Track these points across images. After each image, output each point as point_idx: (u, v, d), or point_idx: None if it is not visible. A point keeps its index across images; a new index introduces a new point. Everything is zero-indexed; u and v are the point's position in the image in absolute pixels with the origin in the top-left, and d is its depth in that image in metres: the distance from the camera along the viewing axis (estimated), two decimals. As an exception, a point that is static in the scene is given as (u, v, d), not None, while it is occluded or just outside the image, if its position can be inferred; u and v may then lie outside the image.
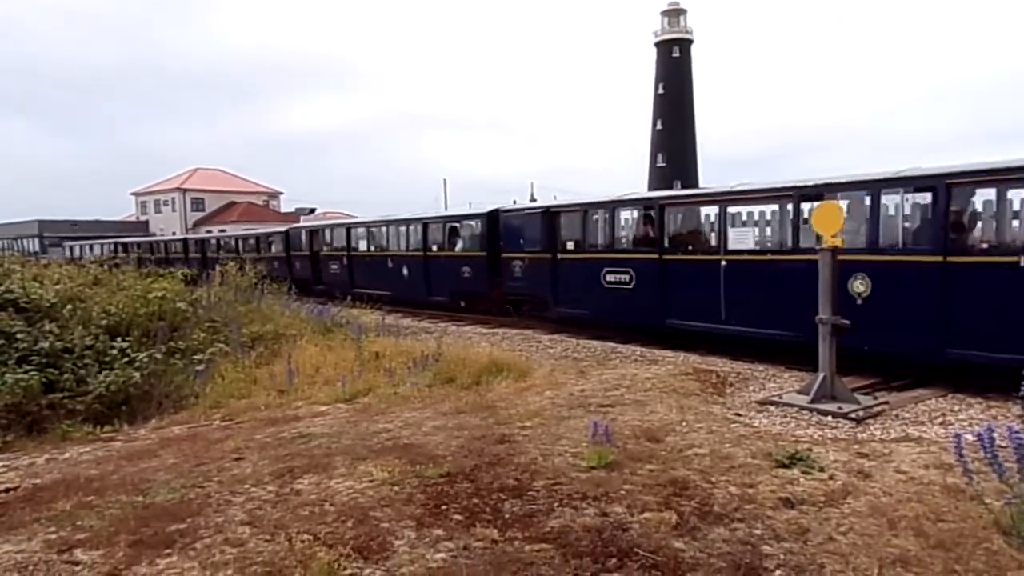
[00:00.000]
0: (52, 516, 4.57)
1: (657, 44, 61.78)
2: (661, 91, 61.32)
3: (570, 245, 13.85)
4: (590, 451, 5.27)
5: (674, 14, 61.46)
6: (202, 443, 6.53)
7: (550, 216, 14.39)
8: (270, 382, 9.38)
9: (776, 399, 7.70)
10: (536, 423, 6.44)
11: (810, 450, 5.53)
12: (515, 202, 19.17)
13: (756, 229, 11.05)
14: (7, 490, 5.41)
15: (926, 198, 8.62)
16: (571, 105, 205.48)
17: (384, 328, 13.03)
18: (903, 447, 5.74)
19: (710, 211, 11.68)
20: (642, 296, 12.13)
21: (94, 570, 3.72)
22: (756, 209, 11.10)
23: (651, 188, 51.77)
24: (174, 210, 69.26)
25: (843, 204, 9.44)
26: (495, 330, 14.96)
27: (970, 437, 4.31)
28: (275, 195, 76.40)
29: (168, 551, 3.88)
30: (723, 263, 10.70)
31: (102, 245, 40.98)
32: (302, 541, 3.91)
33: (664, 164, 60.18)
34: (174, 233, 58.15)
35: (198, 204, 70.26)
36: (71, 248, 43.39)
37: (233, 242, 30.66)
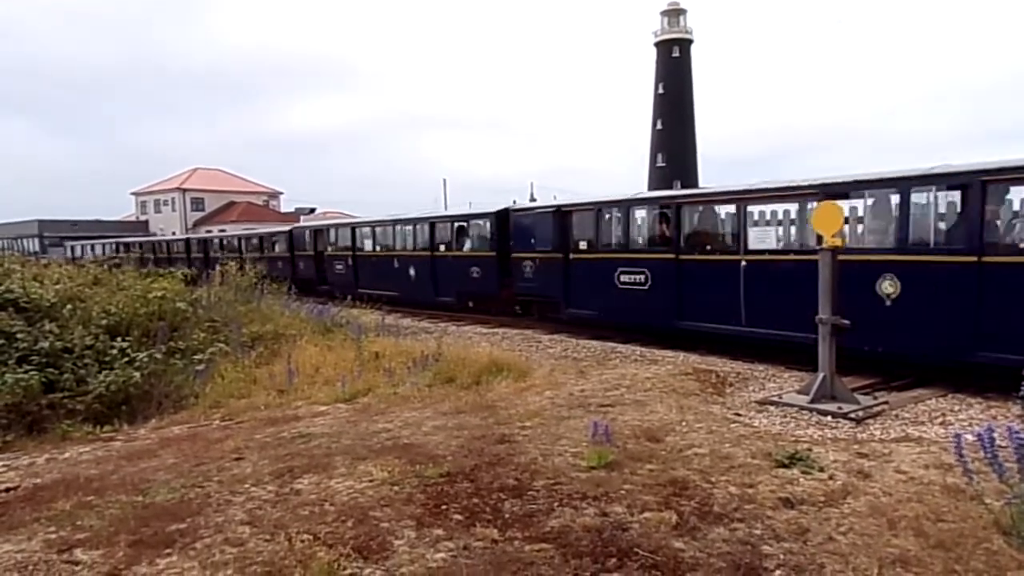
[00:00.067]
0: (52, 516, 4.57)
1: (657, 44, 61.84)
2: (661, 91, 61.36)
3: (583, 245, 13.62)
4: (590, 451, 5.28)
5: (674, 14, 61.51)
6: (202, 443, 6.53)
7: (562, 215, 14.13)
8: (270, 382, 9.39)
9: (776, 399, 7.70)
10: (536, 423, 6.44)
11: (810, 450, 5.53)
12: (515, 202, 19.05)
13: (779, 228, 10.74)
14: (7, 490, 5.41)
15: (960, 196, 8.36)
16: (571, 105, 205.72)
17: (384, 328, 13.03)
18: (903, 447, 5.74)
19: (729, 210, 11.38)
20: (657, 297, 11.88)
21: (94, 570, 3.72)
22: (780, 208, 10.75)
23: (651, 188, 51.78)
24: (174, 210, 69.27)
25: (870, 202, 9.23)
26: (495, 330, 14.96)
27: (970, 437, 4.31)
28: (275, 195, 76.42)
29: (168, 551, 3.88)
30: (743, 263, 10.46)
31: (104, 245, 40.93)
32: (302, 541, 3.91)
33: (664, 164, 60.22)
34: (174, 233, 58.12)
35: (198, 204, 70.26)
36: (73, 248, 43.32)
37: (236, 242, 30.44)
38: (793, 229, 10.75)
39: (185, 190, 69.68)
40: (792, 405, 7.39)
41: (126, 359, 9.37)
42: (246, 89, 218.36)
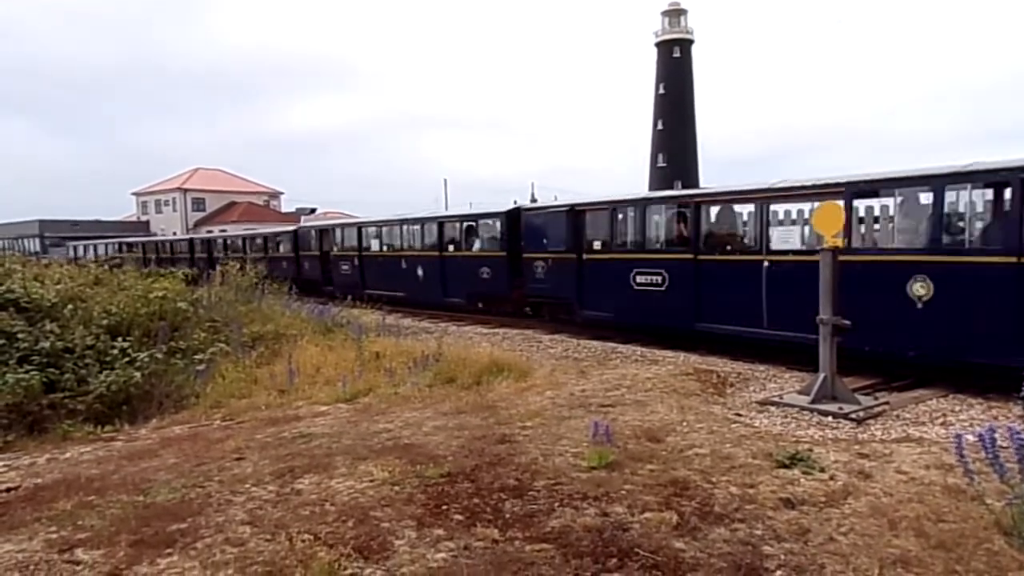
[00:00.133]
0: (53, 516, 4.57)
1: (658, 44, 61.83)
2: (662, 91, 61.35)
3: (597, 245, 13.37)
4: (591, 451, 5.27)
5: (674, 14, 61.49)
6: (203, 443, 6.53)
7: (575, 215, 13.83)
8: (271, 382, 9.39)
9: (777, 399, 7.70)
10: (537, 423, 6.44)
11: (811, 450, 5.53)
12: (515, 202, 18.99)
13: (805, 228, 10.39)
14: (8, 490, 5.41)
15: (998, 194, 8.16)
16: (571, 105, 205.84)
17: (384, 328, 13.03)
18: (904, 447, 5.74)
19: (750, 209, 11.06)
20: (675, 298, 11.66)
21: (95, 570, 3.73)
22: (806, 207, 10.32)
23: (652, 188, 51.79)
24: (175, 210, 69.31)
25: (899, 200, 9.00)
26: (495, 330, 14.95)
27: (971, 437, 4.31)
28: (275, 195, 76.46)
29: (169, 551, 3.89)
30: (766, 264, 10.18)
31: (106, 245, 40.89)
32: (303, 541, 3.91)
33: (665, 164, 60.20)
34: (175, 233, 58.15)
35: (199, 204, 70.28)
36: (74, 248, 43.26)
37: (240, 242, 30.20)
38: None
39: (186, 190, 69.71)
40: (793, 405, 7.39)
41: (127, 359, 9.37)
42: (246, 89, 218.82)
